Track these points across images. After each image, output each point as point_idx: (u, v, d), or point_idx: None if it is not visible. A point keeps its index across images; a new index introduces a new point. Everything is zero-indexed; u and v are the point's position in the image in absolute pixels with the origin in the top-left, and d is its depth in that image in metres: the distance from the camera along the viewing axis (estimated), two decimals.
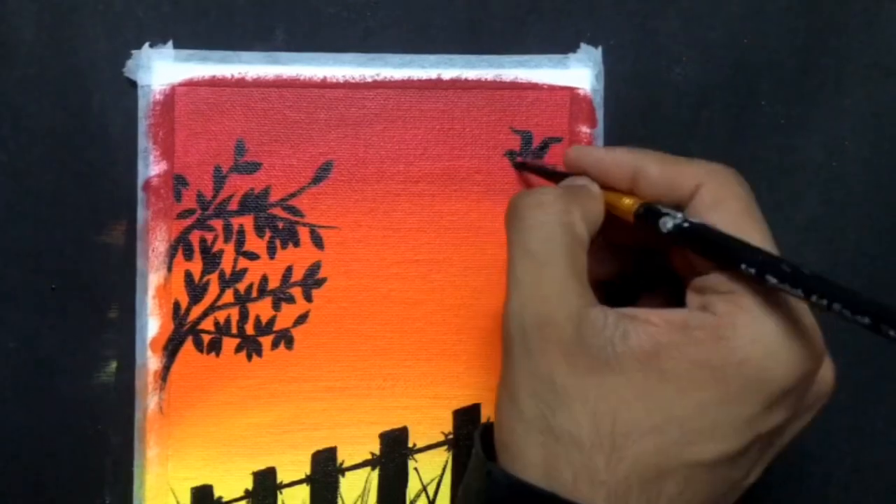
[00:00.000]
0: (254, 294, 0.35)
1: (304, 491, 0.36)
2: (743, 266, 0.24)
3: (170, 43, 0.35)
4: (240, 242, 0.35)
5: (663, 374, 0.24)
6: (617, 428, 0.24)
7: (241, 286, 0.35)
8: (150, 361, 0.35)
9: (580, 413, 0.25)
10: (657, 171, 0.28)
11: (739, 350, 0.24)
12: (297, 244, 0.36)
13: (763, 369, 0.24)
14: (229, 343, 0.35)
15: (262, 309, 0.35)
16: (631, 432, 0.24)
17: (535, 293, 0.26)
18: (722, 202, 0.27)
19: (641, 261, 0.32)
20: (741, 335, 0.24)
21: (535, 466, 0.25)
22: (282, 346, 0.35)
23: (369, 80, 0.36)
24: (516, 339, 0.26)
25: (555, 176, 0.33)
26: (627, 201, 0.29)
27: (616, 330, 0.25)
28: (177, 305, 0.35)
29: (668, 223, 0.27)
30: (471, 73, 0.36)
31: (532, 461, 0.25)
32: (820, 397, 0.27)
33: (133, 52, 0.35)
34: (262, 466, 0.35)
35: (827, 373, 0.27)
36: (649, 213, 0.28)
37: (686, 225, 0.26)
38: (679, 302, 0.27)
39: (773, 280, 0.24)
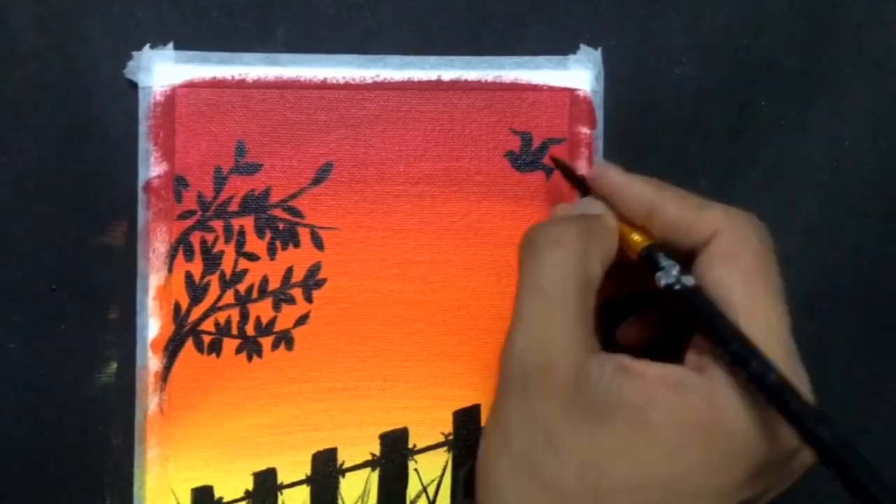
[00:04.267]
0: (254, 295, 0.35)
1: (304, 492, 0.36)
2: (719, 349, 0.24)
3: (170, 44, 0.35)
4: (240, 243, 0.35)
5: (651, 431, 0.24)
6: (601, 483, 0.24)
7: (242, 287, 0.35)
8: (151, 362, 0.35)
9: (568, 463, 0.24)
10: (674, 212, 0.28)
11: (729, 421, 0.24)
12: (297, 245, 0.36)
13: (749, 442, 0.24)
14: (230, 344, 0.35)
15: (262, 310, 0.35)
16: (615, 489, 0.24)
17: (540, 334, 0.26)
18: (735, 256, 0.26)
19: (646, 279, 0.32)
20: (732, 406, 0.24)
21: None
22: (282, 346, 0.35)
23: (369, 81, 0.36)
24: (516, 380, 0.26)
25: (580, 185, 0.33)
26: (636, 238, 0.28)
27: (612, 382, 0.25)
28: (177, 306, 0.35)
29: (661, 280, 0.26)
30: (471, 75, 0.36)
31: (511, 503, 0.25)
32: (803, 465, 0.27)
33: (134, 53, 0.35)
34: (262, 467, 0.35)
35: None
36: (650, 260, 0.27)
37: (678, 287, 0.26)
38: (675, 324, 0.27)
39: (743, 373, 0.24)
